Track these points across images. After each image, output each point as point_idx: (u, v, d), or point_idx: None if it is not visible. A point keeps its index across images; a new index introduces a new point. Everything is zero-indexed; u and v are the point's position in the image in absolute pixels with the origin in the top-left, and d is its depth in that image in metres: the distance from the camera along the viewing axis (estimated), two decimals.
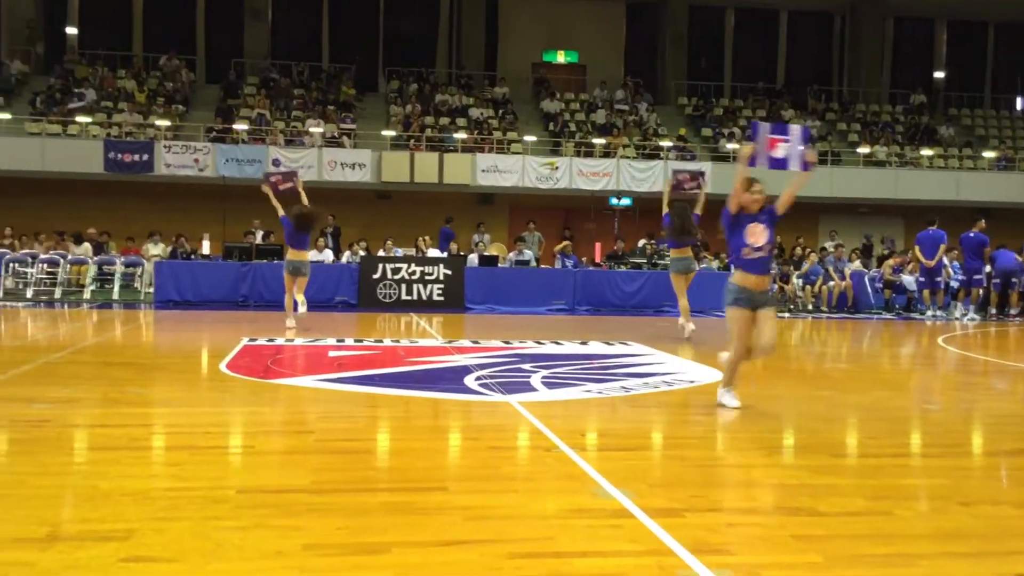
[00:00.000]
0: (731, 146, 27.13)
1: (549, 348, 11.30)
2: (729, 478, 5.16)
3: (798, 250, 21.70)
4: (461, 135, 26.04)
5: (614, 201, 25.67)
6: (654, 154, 26.67)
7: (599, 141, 26.71)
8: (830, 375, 10.06)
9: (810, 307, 20.04)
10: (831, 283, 20.05)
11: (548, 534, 3.96)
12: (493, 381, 8.32)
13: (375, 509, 4.27)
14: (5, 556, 3.49)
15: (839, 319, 18.44)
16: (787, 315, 19.07)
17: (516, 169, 25.19)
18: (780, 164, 7.15)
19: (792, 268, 20.74)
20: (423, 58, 30.96)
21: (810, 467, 5.38)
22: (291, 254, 13.31)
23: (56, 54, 28.51)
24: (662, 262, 18.68)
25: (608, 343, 12.05)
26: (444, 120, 27.06)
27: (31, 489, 4.55)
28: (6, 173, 23.20)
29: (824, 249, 21.98)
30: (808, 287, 20.25)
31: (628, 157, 26.29)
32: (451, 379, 8.53)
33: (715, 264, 21.04)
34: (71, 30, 29.28)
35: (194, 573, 3.42)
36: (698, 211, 13.28)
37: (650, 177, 25.48)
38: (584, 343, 11.97)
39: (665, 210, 13.19)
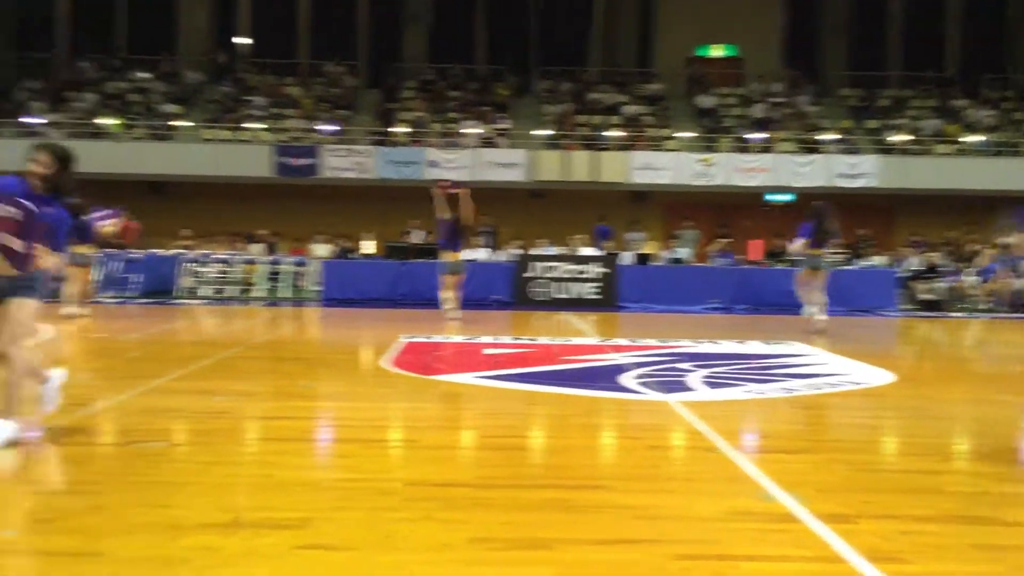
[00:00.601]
0: (897, 138, 26.00)
1: (706, 347, 11.12)
2: (902, 484, 4.95)
3: (973, 246, 20.58)
4: (615, 133, 25.95)
5: (772, 197, 25.01)
6: (815, 148, 25.84)
7: (757, 136, 26.09)
8: (1011, 378, 9.50)
9: (986, 305, 18.97)
10: (1011, 280, 18.91)
11: (713, 536, 3.90)
12: (650, 380, 8.26)
13: (538, 505, 4.31)
14: (192, 541, 3.70)
15: (1017, 319, 17.39)
16: (962, 314, 18.13)
17: (671, 166, 24.89)
18: None
19: (965, 264, 19.70)
20: (576, 57, 31.01)
21: (991, 475, 5.10)
22: (448, 255, 14.54)
23: (229, 64, 30.00)
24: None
25: (768, 343, 11.76)
26: (597, 118, 27.03)
27: (213, 477, 4.81)
28: (184, 178, 24.61)
29: (1004, 245, 20.76)
30: (984, 284, 19.19)
31: (787, 152, 25.57)
32: (607, 377, 8.51)
33: (879, 260, 20.24)
34: (242, 40, 30.78)
35: (366, 562, 3.54)
36: None
37: (811, 172, 24.72)
38: (743, 342, 11.72)
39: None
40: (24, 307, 5.27)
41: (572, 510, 4.25)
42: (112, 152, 24.20)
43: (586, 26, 31.46)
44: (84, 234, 14.21)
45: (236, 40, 30.50)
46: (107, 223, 14.36)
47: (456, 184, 15.48)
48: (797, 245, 13.62)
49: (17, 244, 5.18)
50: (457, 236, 14.90)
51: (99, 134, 25.09)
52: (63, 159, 5.38)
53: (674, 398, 7.30)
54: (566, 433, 6.28)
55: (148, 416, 6.46)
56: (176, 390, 7.56)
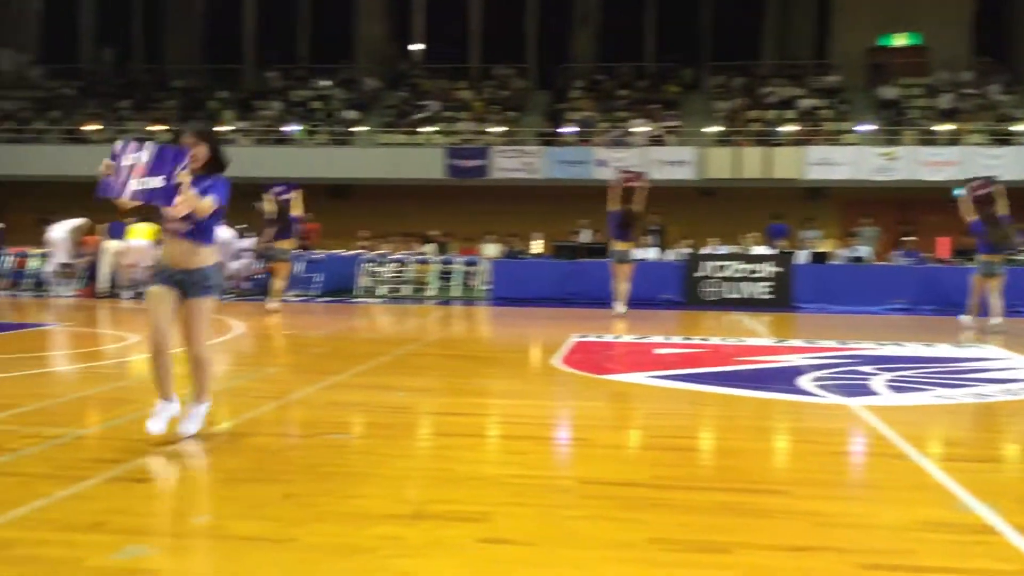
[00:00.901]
0: None
1: (890, 349, 10.63)
2: None
3: None
4: (789, 127, 25.18)
5: (960, 192, 23.65)
6: (1007, 140, 24.28)
7: (944, 127, 24.74)
8: None
9: None
10: None
11: (905, 546, 3.73)
12: (830, 383, 7.97)
13: (716, 508, 4.24)
14: (378, 530, 3.84)
15: None
16: None
17: (849, 160, 23.93)
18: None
19: None
20: (748, 51, 30.28)
21: None
22: (617, 244, 15.11)
23: (404, 70, 30.93)
24: (1019, 257, 16.98)
25: (960, 345, 11.13)
26: (771, 113, 26.31)
27: (395, 470, 4.98)
28: (363, 181, 25.54)
29: None
30: None
31: (977, 144, 24.12)
32: (783, 380, 8.27)
33: None
34: (416, 47, 31.67)
35: (546, 557, 3.57)
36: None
37: (1002, 165, 23.21)
38: (930, 345, 11.14)
39: (972, 217, 13.42)
40: (204, 307, 5.36)
41: (751, 514, 4.16)
42: (296, 157, 25.40)
43: (759, 18, 30.68)
44: (285, 230, 15.23)
45: (411, 47, 31.41)
46: (290, 195, 15.41)
47: (638, 175, 15.92)
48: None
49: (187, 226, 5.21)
50: (627, 227, 15.23)
51: (284, 140, 26.37)
52: (209, 137, 5.39)
53: (856, 402, 7.02)
54: (741, 435, 6.15)
55: (333, 409, 6.74)
56: (358, 385, 7.85)
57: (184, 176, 4.97)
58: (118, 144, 5.08)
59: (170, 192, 4.97)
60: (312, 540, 3.70)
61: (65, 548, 3.61)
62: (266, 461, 5.09)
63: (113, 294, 17.32)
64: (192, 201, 5.04)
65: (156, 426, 5.24)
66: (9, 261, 19.38)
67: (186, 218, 5.17)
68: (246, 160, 25.46)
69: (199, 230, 5.28)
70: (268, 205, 15.30)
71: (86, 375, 8.35)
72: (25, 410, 6.32)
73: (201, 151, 5.28)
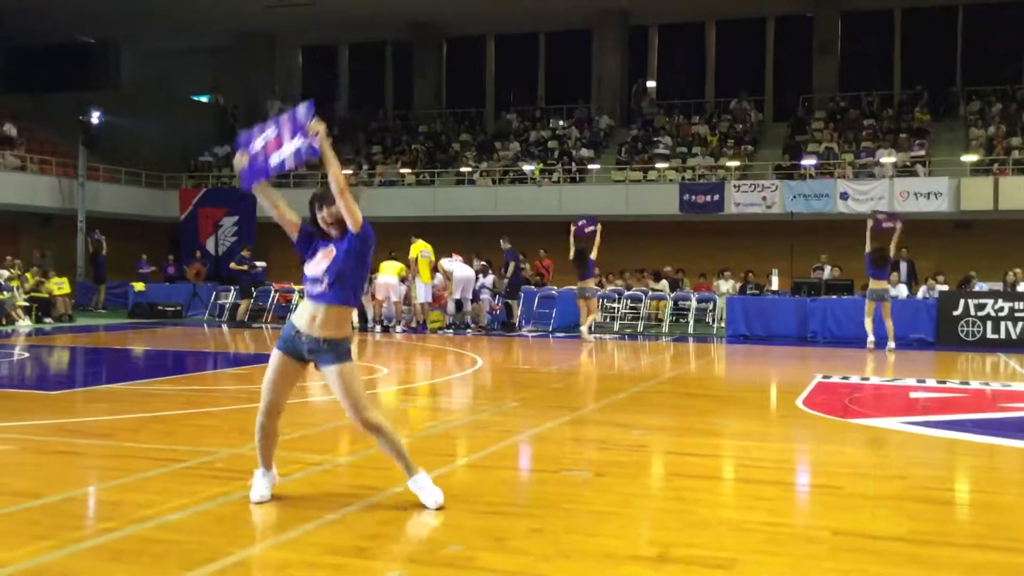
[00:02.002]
0: None
1: None
2: None
3: None
4: None
5: None
6: None
7: None
8: None
9: None
10: None
11: None
12: None
13: (985, 567, 3.94)
14: (624, 570, 3.85)
15: None
16: None
17: None
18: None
19: None
20: (1008, 74, 28.22)
21: None
22: (872, 283, 15.33)
23: (639, 107, 31.12)
24: None
25: None
26: None
27: (637, 509, 4.97)
28: (600, 217, 25.80)
29: None
30: None
31: None
32: None
33: None
34: (651, 83, 31.80)
35: None
36: None
37: None
38: None
39: None
40: (350, 373, 4.81)
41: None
42: (532, 196, 26.07)
43: (1018, 38, 28.55)
44: (586, 270, 16.84)
45: (646, 83, 31.56)
46: (591, 228, 17.36)
47: (892, 216, 16.42)
48: None
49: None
50: (876, 268, 15.34)
51: (521, 179, 27.13)
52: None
53: None
54: (1009, 488, 5.69)
55: (573, 445, 6.83)
56: (595, 421, 7.92)
57: (318, 124, 4.53)
58: (242, 135, 4.84)
59: (309, 149, 4.56)
60: None
61: (332, 571, 3.86)
62: (510, 495, 5.22)
63: (364, 328, 18.39)
64: (331, 157, 4.59)
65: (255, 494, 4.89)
66: (274, 296, 21.03)
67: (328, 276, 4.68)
68: (486, 199, 26.46)
69: (342, 289, 4.70)
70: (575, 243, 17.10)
71: (340, 406, 8.89)
72: (287, 438, 6.81)
73: (334, 213, 4.72)
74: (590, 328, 17.18)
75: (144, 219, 28.51)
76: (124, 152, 28.74)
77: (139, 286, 23.39)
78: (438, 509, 4.67)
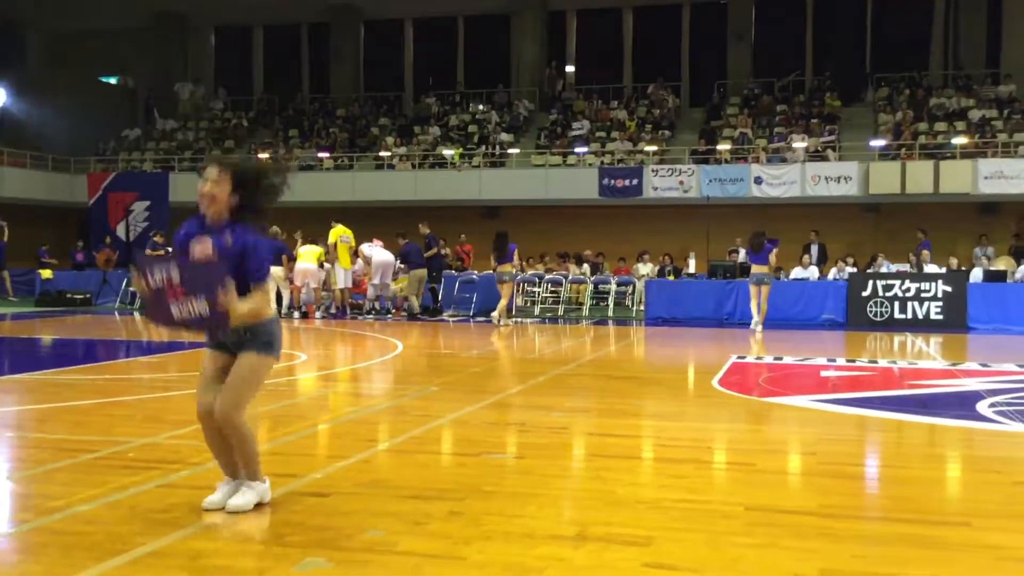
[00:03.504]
0: None
1: None
2: None
3: None
4: (960, 140, 24.00)
5: None
6: None
7: None
8: None
9: None
10: None
11: None
12: (1011, 409, 7.54)
13: (892, 539, 4.07)
14: (544, 551, 3.87)
15: None
16: None
17: None
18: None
19: None
20: (914, 61, 29.09)
21: None
22: (753, 268, 15.83)
23: (556, 92, 31.23)
24: None
25: None
26: (940, 125, 25.16)
27: (556, 490, 5.01)
28: (516, 202, 25.87)
29: None
30: None
31: None
32: (959, 405, 7.88)
33: None
34: (569, 68, 31.92)
35: None
36: None
37: None
38: None
39: None
40: (257, 363, 4.38)
41: (929, 546, 3.98)
42: (452, 180, 26.00)
43: (927, 28, 29.43)
44: (504, 255, 16.95)
45: (564, 69, 31.67)
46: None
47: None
48: None
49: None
50: (757, 251, 15.97)
51: (441, 164, 27.03)
52: (241, 174, 4.20)
53: None
54: (914, 463, 5.90)
55: (492, 429, 6.84)
56: (516, 404, 7.95)
57: (225, 299, 4.06)
58: (139, 256, 4.46)
59: (220, 319, 4.11)
60: (480, 558, 3.76)
61: (250, 559, 3.81)
62: (430, 479, 5.22)
63: (285, 315, 18.12)
64: (245, 315, 4.16)
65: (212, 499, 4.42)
66: None
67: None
68: (406, 184, 26.30)
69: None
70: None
71: (260, 393, 8.75)
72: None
73: (224, 190, 4.17)
74: (510, 312, 17.27)
75: (51, 204, 27.62)
76: (30, 135, 27.77)
77: (46, 273, 22.68)
78: (231, 512, 4.30)
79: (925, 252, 19.00)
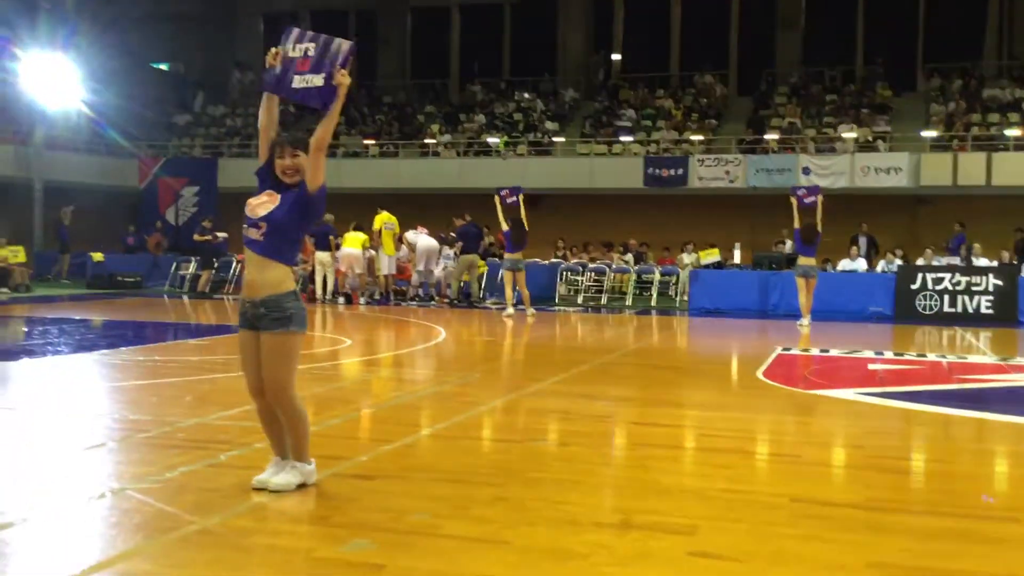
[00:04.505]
0: None
1: None
2: None
3: None
4: (1014, 131, 23.50)
5: None
6: None
7: None
8: None
9: None
10: None
11: None
12: None
13: (941, 533, 4.03)
14: (588, 537, 3.88)
15: None
16: None
17: None
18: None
19: None
20: (968, 51, 28.51)
21: None
22: (801, 260, 15.26)
23: (603, 80, 31.08)
24: None
25: None
26: (993, 116, 24.66)
27: (600, 478, 5.02)
28: (561, 190, 25.82)
29: None
30: None
31: None
32: (1010, 400, 7.77)
33: None
34: (615, 57, 31.74)
35: (758, 575, 3.51)
36: None
37: None
38: None
39: None
40: (280, 343, 4.41)
41: (979, 541, 3.93)
42: (496, 168, 25.99)
43: (981, 17, 28.83)
44: (523, 241, 16.22)
45: (610, 57, 31.50)
46: (513, 199, 16.41)
47: (812, 190, 15.78)
48: None
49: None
50: (806, 245, 15.23)
51: (486, 152, 27.04)
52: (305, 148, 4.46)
53: None
54: (964, 458, 5.82)
55: (536, 416, 6.86)
56: (559, 392, 7.95)
57: (344, 78, 4.35)
58: (291, 31, 4.56)
59: (328, 94, 4.36)
60: (524, 543, 3.78)
61: (297, 539, 3.86)
62: (474, 464, 5.25)
63: (330, 300, 18.27)
64: (335, 115, 4.39)
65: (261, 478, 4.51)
66: (235, 267, 20.84)
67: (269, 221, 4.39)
68: (451, 172, 26.36)
69: (276, 240, 4.41)
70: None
71: (305, 376, 8.86)
72: (249, 408, 6.77)
73: (300, 165, 4.43)
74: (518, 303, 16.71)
75: (103, 188, 28.06)
76: (84, 120, 28.20)
77: (98, 256, 23.06)
78: (275, 491, 4.38)
79: (977, 246, 18.66)
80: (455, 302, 18.44)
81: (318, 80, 4.37)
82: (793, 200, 15.51)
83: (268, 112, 4.59)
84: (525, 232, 16.28)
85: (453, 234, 19.09)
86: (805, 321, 14.98)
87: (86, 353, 10.22)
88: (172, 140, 30.25)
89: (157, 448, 5.41)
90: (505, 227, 16.32)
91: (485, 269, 19.76)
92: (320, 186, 4.46)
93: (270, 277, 4.39)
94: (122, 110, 27.06)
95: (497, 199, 16.61)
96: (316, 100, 4.41)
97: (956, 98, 25.52)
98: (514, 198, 16.62)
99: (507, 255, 16.39)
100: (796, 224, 15.29)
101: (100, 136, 27.35)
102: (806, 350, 11.57)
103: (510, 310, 16.04)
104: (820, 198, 15.32)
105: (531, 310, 16.15)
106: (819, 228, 15.11)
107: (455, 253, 18.87)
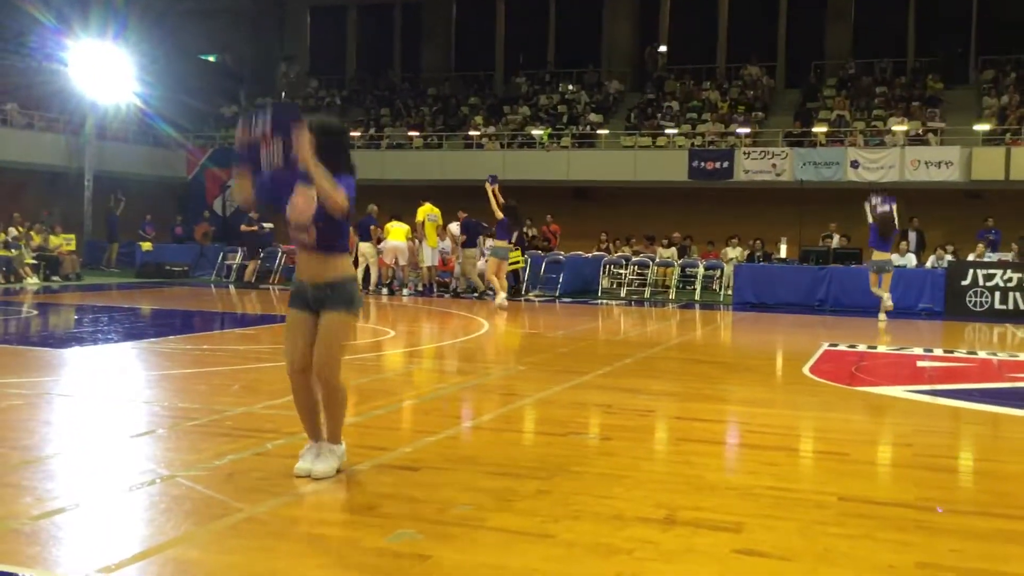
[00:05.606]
0: None
1: None
2: None
3: None
4: None
5: None
6: None
7: None
8: None
9: None
10: None
11: None
12: None
13: (993, 535, 3.96)
14: (632, 532, 3.87)
15: None
16: None
17: None
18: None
19: None
20: (1022, 43, 27.89)
21: None
22: (875, 254, 14.73)
23: (648, 72, 30.87)
24: None
25: None
26: None
27: (644, 473, 4.99)
28: (604, 183, 25.73)
29: None
30: None
31: None
32: None
33: None
34: (662, 48, 31.52)
35: (805, 574, 3.47)
36: None
37: None
38: None
39: None
40: (342, 321, 4.57)
41: None
42: (540, 160, 25.96)
43: None
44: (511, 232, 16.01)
45: (656, 48, 31.27)
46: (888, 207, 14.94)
47: (886, 200, 14.86)
48: None
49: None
50: (882, 239, 14.68)
51: (529, 144, 27.01)
52: (318, 129, 4.44)
53: None
54: (1014, 457, 5.71)
55: (580, 409, 6.85)
56: (603, 386, 7.93)
57: (302, 149, 4.29)
58: (248, 116, 4.48)
59: (293, 161, 4.35)
60: (569, 537, 3.78)
61: (342, 528, 3.90)
62: (518, 457, 5.25)
63: (373, 292, 18.38)
64: (325, 188, 4.30)
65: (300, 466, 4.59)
66: (281, 257, 21.05)
67: (316, 224, 4.48)
68: (495, 163, 26.36)
69: (327, 235, 4.52)
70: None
71: (349, 367, 8.92)
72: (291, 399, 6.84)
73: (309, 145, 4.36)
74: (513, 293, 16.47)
75: (152, 179, 28.45)
76: (134, 111, 28.61)
77: (146, 246, 23.42)
78: (318, 479, 4.47)
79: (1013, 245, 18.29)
80: (460, 294, 18.39)
81: (279, 150, 4.37)
82: (867, 207, 14.90)
83: (240, 181, 4.57)
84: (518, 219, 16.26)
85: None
86: (882, 315, 14.69)
87: (135, 341, 10.39)
88: (220, 131, 30.58)
89: (206, 436, 5.48)
90: (500, 216, 16.00)
91: (524, 263, 19.70)
92: (344, 208, 4.40)
93: (334, 265, 4.57)
94: (171, 101, 27.42)
95: (488, 188, 16.07)
96: (285, 173, 4.41)
97: (1010, 91, 25.00)
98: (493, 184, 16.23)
99: (496, 243, 16.17)
100: (870, 220, 14.66)
101: (149, 127, 27.73)
102: (853, 346, 11.42)
103: (502, 299, 15.55)
104: (895, 206, 14.77)
105: (502, 296, 15.61)
106: (897, 224, 14.75)
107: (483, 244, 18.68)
